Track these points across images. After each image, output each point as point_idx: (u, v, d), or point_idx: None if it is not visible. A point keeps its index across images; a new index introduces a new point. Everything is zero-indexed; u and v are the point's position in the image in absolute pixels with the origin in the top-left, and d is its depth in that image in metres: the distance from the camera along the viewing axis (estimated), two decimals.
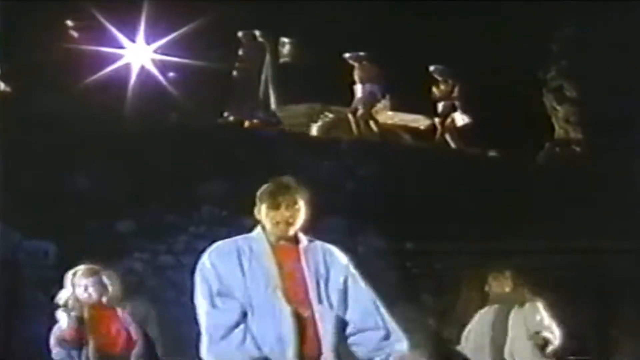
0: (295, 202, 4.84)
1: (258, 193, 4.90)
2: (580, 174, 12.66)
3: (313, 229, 5.01)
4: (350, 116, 14.45)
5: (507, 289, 7.92)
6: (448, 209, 11.53)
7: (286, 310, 4.69)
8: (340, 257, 4.92)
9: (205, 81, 13.86)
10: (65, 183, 11.15)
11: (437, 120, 14.76)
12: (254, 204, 4.93)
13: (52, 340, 6.81)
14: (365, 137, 14.16)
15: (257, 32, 14.33)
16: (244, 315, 4.70)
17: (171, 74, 14.20)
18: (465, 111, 14.31)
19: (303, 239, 4.89)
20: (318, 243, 4.91)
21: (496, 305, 7.97)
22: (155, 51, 13.67)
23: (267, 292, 4.73)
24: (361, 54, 14.36)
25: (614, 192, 11.79)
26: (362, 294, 4.87)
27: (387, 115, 15.11)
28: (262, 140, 12.99)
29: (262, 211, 4.87)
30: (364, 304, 4.86)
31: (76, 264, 7.01)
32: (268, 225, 4.86)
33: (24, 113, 11.48)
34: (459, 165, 12.73)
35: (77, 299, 6.79)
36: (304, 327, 4.72)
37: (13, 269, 10.31)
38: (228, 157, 11.77)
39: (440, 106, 14.66)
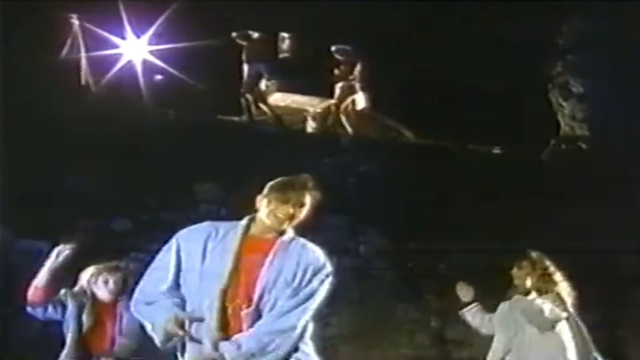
0: (303, 203, 4.71)
1: (270, 183, 4.79)
2: (586, 172, 12.54)
3: (314, 227, 4.89)
4: (242, 99, 14.21)
5: (532, 279, 7.43)
6: (451, 207, 11.42)
7: (215, 304, 4.61)
8: (316, 261, 4.73)
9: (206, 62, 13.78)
10: (59, 181, 11.07)
11: (334, 102, 14.35)
12: (252, 203, 4.79)
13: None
14: (259, 119, 13.96)
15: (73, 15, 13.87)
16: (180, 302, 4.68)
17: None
18: (366, 92, 14.02)
19: (288, 234, 4.74)
20: (300, 244, 4.75)
21: (516, 296, 7.47)
22: (149, 43, 13.62)
23: (211, 284, 4.64)
24: (250, 32, 14.14)
25: (620, 190, 11.68)
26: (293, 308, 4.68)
27: (278, 97, 14.69)
28: (261, 137, 12.91)
29: (264, 201, 4.74)
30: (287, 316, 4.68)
31: (71, 264, 6.97)
32: (265, 214, 4.73)
33: (19, 112, 11.38)
34: (463, 163, 12.63)
35: (86, 293, 6.78)
36: (235, 321, 4.64)
37: (6, 269, 10.20)
38: (226, 155, 11.68)
39: (337, 88, 14.37)
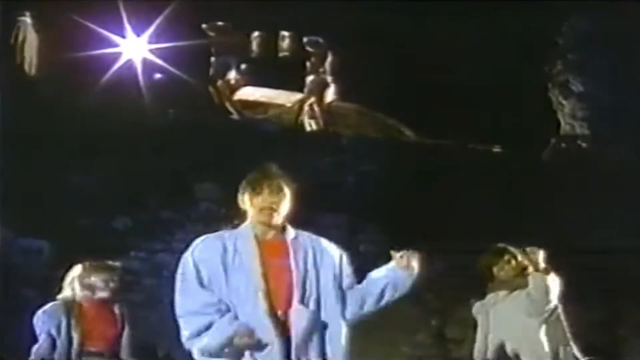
0: (280, 189, 4.71)
1: (243, 182, 4.78)
2: (586, 171, 12.53)
3: (314, 226, 4.89)
4: (212, 92, 14.15)
5: (514, 273, 7.28)
6: (451, 206, 11.40)
7: (262, 309, 4.56)
8: (331, 250, 4.78)
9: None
10: (59, 180, 11.04)
11: (304, 96, 14.29)
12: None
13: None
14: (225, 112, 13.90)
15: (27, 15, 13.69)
16: (223, 311, 4.59)
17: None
18: (339, 87, 13.96)
19: (291, 231, 4.74)
20: (307, 236, 4.77)
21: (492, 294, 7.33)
22: (149, 41, 13.62)
23: (249, 293, 4.59)
24: (219, 23, 14.07)
25: (621, 189, 11.66)
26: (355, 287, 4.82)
27: (247, 91, 14.57)
28: (261, 136, 12.88)
29: (245, 199, 4.74)
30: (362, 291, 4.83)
31: (70, 263, 6.91)
32: (252, 213, 4.72)
33: (18, 111, 11.37)
34: (463, 162, 12.60)
35: (76, 298, 6.70)
36: (283, 326, 4.61)
37: (6, 268, 10.18)
38: (226, 154, 11.65)
39: (308, 81, 14.30)
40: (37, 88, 12.76)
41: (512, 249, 7.33)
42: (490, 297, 7.28)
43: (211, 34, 14.11)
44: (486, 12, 13.22)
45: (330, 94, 14.13)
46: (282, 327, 4.58)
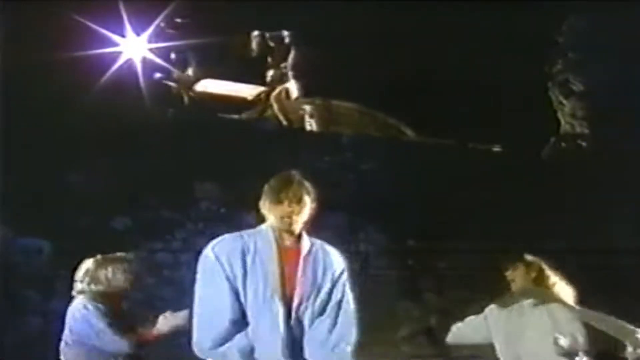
0: (300, 198, 4.76)
1: (265, 187, 4.83)
2: (586, 170, 12.51)
3: (314, 225, 4.91)
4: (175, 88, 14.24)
5: (530, 282, 7.28)
6: (451, 205, 11.40)
7: (280, 312, 4.67)
8: (337, 263, 4.84)
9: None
10: (59, 179, 11.04)
11: (265, 90, 14.37)
12: (252, 201, 4.85)
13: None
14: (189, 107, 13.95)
15: None
16: (241, 314, 4.69)
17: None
18: (299, 81, 14.02)
19: (306, 242, 4.81)
20: (319, 247, 4.84)
21: (516, 304, 7.33)
22: (149, 41, 13.63)
23: (266, 294, 4.69)
24: (178, 20, 14.13)
25: (621, 189, 11.64)
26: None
27: (208, 84, 14.57)
28: (262, 135, 12.89)
29: (265, 205, 4.79)
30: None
31: (70, 262, 6.89)
32: (272, 220, 4.78)
33: (18, 110, 11.36)
34: (463, 161, 12.59)
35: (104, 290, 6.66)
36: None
37: (6, 268, 10.17)
38: (226, 153, 11.65)
39: (269, 75, 14.35)
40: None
41: (529, 257, 7.31)
42: (514, 307, 7.26)
43: (170, 31, 14.15)
44: (486, 12, 13.21)
45: (293, 89, 14.21)
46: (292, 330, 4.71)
